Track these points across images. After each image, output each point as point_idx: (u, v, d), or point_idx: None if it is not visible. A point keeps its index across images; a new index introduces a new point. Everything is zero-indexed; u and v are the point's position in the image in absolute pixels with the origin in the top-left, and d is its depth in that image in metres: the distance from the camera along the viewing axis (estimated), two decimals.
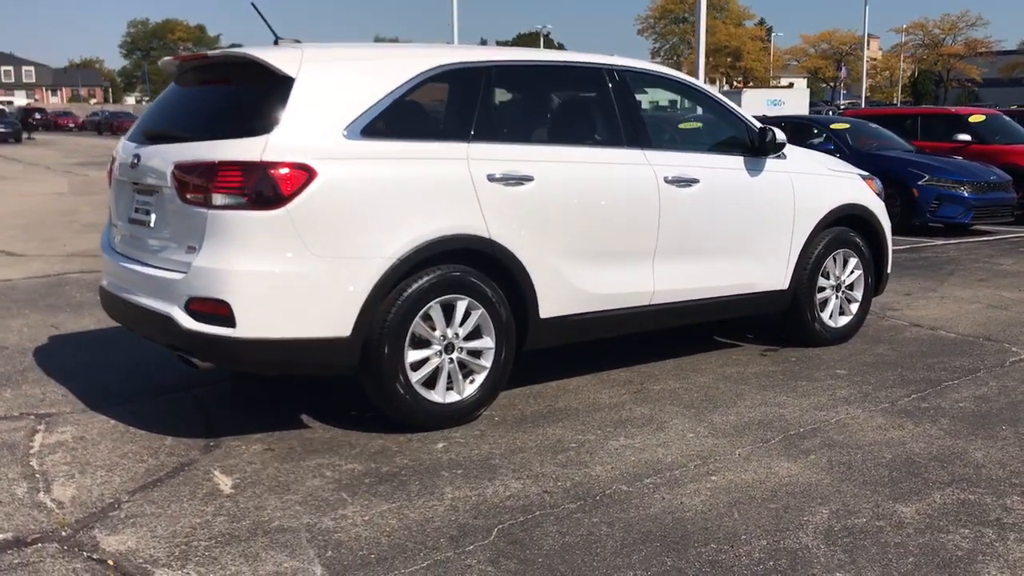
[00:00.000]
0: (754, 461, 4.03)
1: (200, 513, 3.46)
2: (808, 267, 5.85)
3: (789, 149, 5.79)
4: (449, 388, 4.43)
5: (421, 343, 4.31)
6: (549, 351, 5.08)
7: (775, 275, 5.69)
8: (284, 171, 3.89)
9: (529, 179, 4.53)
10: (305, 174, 3.93)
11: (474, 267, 4.40)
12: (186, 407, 4.73)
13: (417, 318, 4.23)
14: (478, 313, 4.42)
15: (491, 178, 4.40)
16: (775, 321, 6.15)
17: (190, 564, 3.07)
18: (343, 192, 4.02)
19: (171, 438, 4.26)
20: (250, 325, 3.91)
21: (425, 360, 4.33)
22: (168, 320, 4.06)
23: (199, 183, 3.95)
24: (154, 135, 4.42)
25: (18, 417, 4.57)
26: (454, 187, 4.31)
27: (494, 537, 3.29)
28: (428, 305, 4.25)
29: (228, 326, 3.92)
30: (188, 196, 4.02)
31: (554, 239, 4.64)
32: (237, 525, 3.36)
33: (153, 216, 4.29)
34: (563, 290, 4.71)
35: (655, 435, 4.35)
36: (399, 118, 4.31)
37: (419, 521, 3.41)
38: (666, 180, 5.07)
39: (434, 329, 4.32)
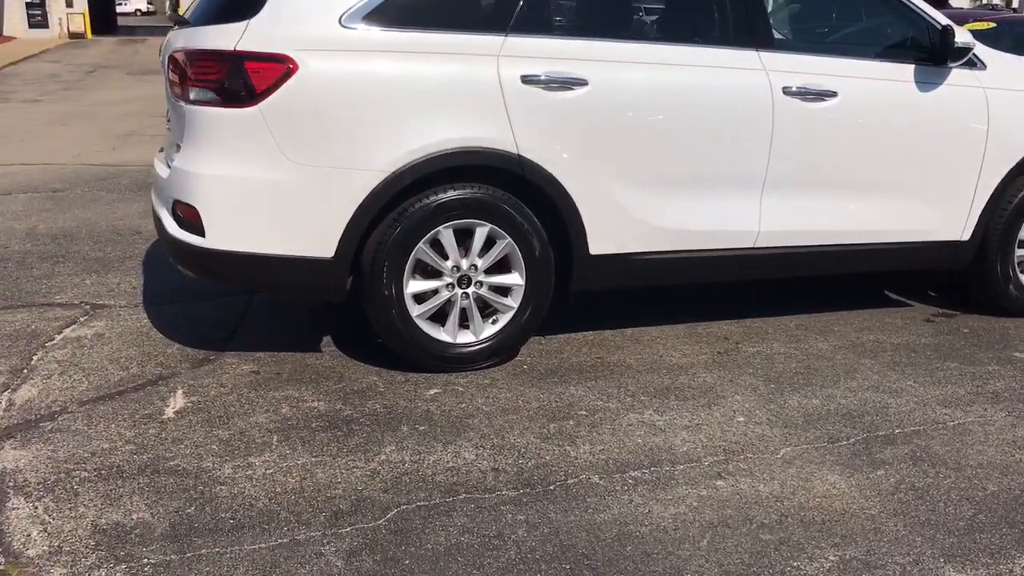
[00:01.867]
0: (794, 467, 3.08)
1: (116, 438, 3.18)
2: (1005, 216, 4.47)
3: (990, 55, 4.38)
4: (464, 327, 3.81)
5: (429, 273, 3.71)
6: (647, 291, 4.27)
7: (947, 222, 4.40)
8: (258, 63, 3.39)
9: (580, 83, 3.69)
10: (282, 67, 3.41)
11: (501, 189, 3.68)
12: (225, 315, 4.50)
13: (422, 243, 3.62)
14: (503, 243, 3.72)
15: (528, 80, 3.62)
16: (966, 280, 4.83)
17: (47, 497, 2.79)
18: (328, 90, 3.46)
19: (178, 346, 4.04)
20: (217, 235, 3.52)
21: (433, 292, 3.73)
22: (160, 224, 3.79)
23: (179, 75, 3.57)
24: (180, 21, 4.08)
25: (73, 305, 4.57)
26: (474, 90, 3.59)
27: (384, 521, 2.71)
28: (436, 230, 3.62)
29: (199, 234, 3.56)
30: (175, 90, 3.66)
31: (611, 160, 3.79)
32: (135, 459, 3.04)
33: (168, 114, 4.00)
34: (623, 223, 3.87)
35: (693, 413, 3.48)
36: (417, 2, 3.63)
37: (321, 485, 2.90)
38: (786, 91, 3.98)
39: (445, 258, 3.70)
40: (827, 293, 5.00)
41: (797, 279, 4.92)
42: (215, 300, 4.68)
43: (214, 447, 3.13)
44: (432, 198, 3.60)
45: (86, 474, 2.94)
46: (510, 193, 3.70)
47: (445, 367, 3.79)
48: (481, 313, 3.82)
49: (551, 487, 2.92)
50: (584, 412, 3.47)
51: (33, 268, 5.20)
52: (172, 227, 3.69)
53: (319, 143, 3.48)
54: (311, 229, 3.53)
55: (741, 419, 3.45)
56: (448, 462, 3.06)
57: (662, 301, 4.73)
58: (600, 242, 3.86)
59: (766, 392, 3.70)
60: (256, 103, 3.41)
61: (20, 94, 15.16)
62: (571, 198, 3.75)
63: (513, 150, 3.63)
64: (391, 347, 3.77)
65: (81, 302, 4.64)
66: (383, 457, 3.09)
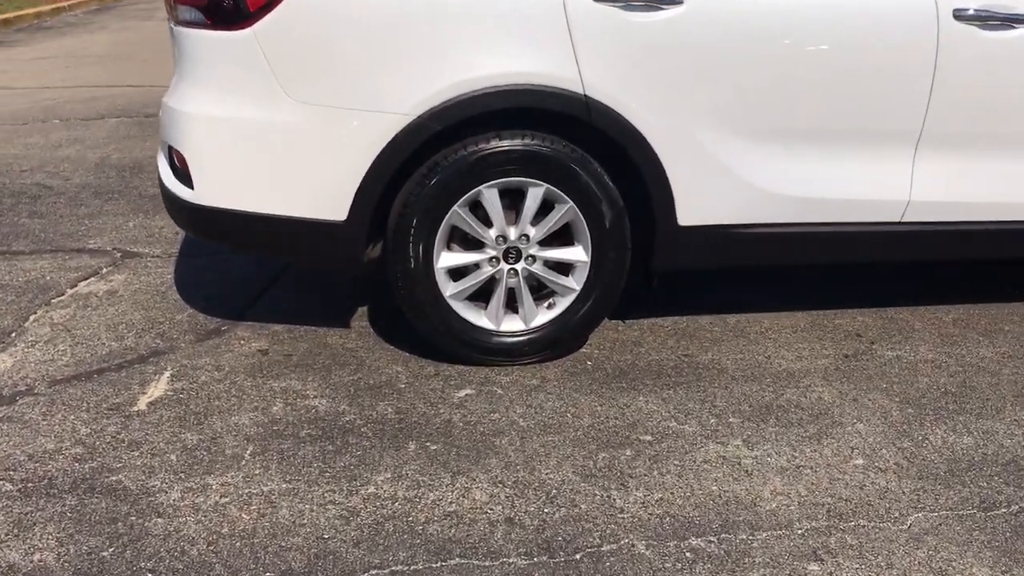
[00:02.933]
0: (924, 549, 2.20)
1: (67, 436, 2.63)
2: None
3: None
4: (513, 311, 3.05)
5: (468, 243, 2.97)
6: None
7: None
8: None
9: (673, 1, 2.79)
10: None
11: (562, 139, 2.87)
12: (258, 273, 3.88)
13: (458, 207, 2.87)
14: (563, 209, 2.92)
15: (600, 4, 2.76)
16: None
17: None
18: (338, 9, 2.71)
19: (190, 312, 3.47)
20: (206, 188, 2.87)
21: (473, 267, 2.98)
22: (159, 172, 3.19)
23: None
24: None
25: (103, 252, 4.09)
26: (527, 9, 2.75)
27: None
28: (475, 190, 2.85)
29: (188, 186, 2.92)
30: (167, 8, 3.00)
31: (711, 105, 2.90)
32: (75, 468, 2.48)
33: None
34: (723, 187, 2.98)
35: (796, 448, 2.62)
36: None
37: (280, 528, 2.25)
38: (959, 15, 2.94)
39: (488, 225, 2.93)
40: (999, 277, 3.93)
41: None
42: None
43: (173, 457, 2.52)
44: (471, 149, 2.82)
45: (9, 487, 2.39)
46: (574, 145, 2.88)
47: (486, 360, 3.05)
48: (534, 295, 3.04)
49: (577, 556, 2.16)
50: (649, 437, 2.66)
51: (83, 205, 4.75)
52: (166, 174, 3.08)
53: (327, 77, 2.75)
54: (318, 185, 2.83)
55: (860, 461, 2.56)
56: (451, 503, 2.35)
57: (780, 280, 3.80)
58: (692, 211, 2.99)
59: (900, 420, 2.78)
60: (249, 24, 2.71)
61: (163, 12, 15.11)
62: (655, 153, 2.88)
63: (578, 89, 2.79)
64: (419, 332, 3.05)
65: (113, 248, 4.15)
66: (371, 489, 2.40)
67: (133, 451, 2.55)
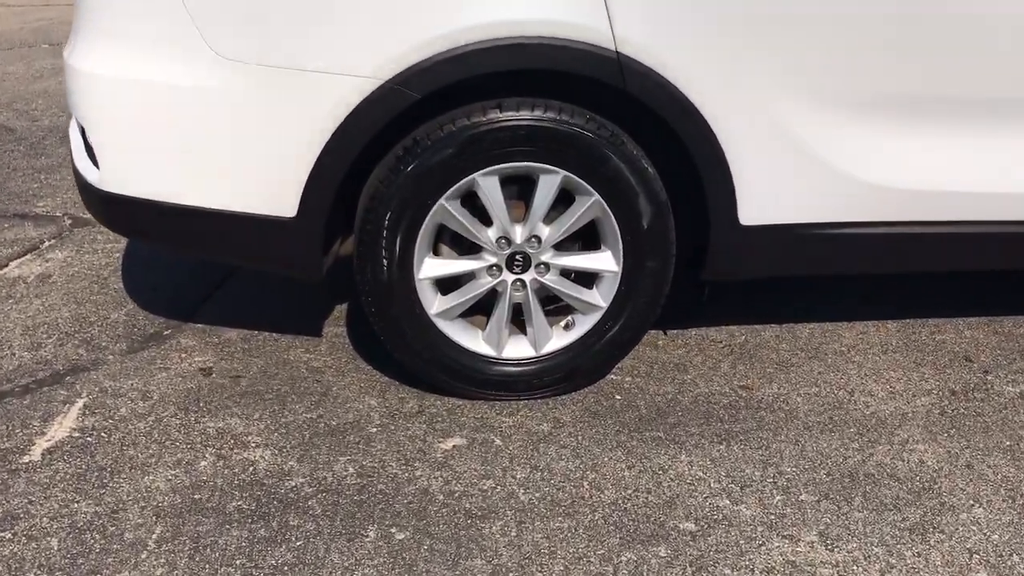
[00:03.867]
0: None
1: None
2: None
3: None
4: (520, 330, 2.35)
5: (462, 245, 2.26)
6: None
7: None
8: None
9: None
10: None
11: (585, 110, 2.12)
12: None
13: (444, 200, 2.15)
14: (587, 203, 2.19)
15: None
16: None
17: None
18: None
19: (130, 309, 2.83)
20: (113, 171, 2.20)
21: (467, 278, 2.27)
22: (71, 145, 2.51)
23: None
24: None
25: (51, 219, 3.47)
26: None
27: None
28: (469, 177, 2.13)
29: (95, 166, 2.24)
30: None
31: (791, 63, 2.12)
32: None
33: None
34: (806, 174, 2.23)
35: (891, 551, 1.92)
36: None
37: None
38: None
39: (487, 223, 2.21)
40: None
41: None
42: None
43: (54, 544, 1.90)
44: (461, 125, 2.09)
45: None
46: (602, 118, 2.13)
47: (484, 394, 2.36)
48: (547, 311, 2.34)
49: None
50: (692, 526, 1.97)
51: (44, 155, 4.11)
52: (77, 149, 2.39)
53: (262, 25, 2.02)
54: (257, 171, 2.13)
55: (983, 575, 1.85)
56: None
57: (863, 280, 3.03)
58: (761, 206, 2.24)
59: None
60: None
61: None
62: (711, 130, 2.13)
63: (607, 44, 2.03)
64: (397, 360, 2.37)
65: (64, 214, 3.52)
66: None
67: (3, 531, 1.93)
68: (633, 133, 2.17)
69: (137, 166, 2.17)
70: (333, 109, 2.04)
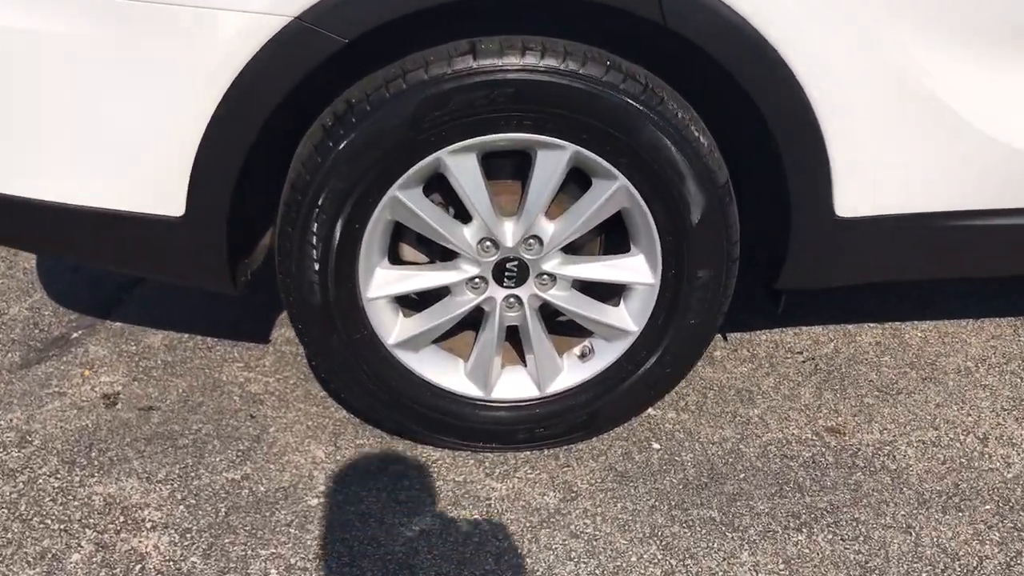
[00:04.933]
0: None
1: None
2: None
3: None
4: (518, 359, 1.69)
5: (428, 250, 1.58)
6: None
7: None
8: None
9: None
10: None
11: (605, 54, 1.40)
12: None
13: (396, 189, 1.46)
14: (609, 190, 1.49)
15: None
16: None
17: None
18: None
19: (36, 298, 2.22)
20: None
21: (439, 293, 1.60)
22: None
23: None
24: None
25: None
26: None
27: None
28: (432, 157, 1.43)
29: None
30: None
31: None
32: None
33: None
34: (939, 147, 1.47)
35: None
36: None
37: None
38: None
39: (464, 220, 1.52)
40: None
41: None
42: None
43: None
44: (415, 78, 1.37)
45: None
46: (630, 64, 1.40)
47: (470, 446, 1.71)
48: (555, 332, 1.66)
49: None
50: None
51: None
52: None
53: None
54: (124, 152, 1.45)
55: None
56: None
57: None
58: (870, 190, 1.51)
59: None
60: None
61: None
62: (797, 83, 1.39)
63: None
64: (348, 400, 1.72)
65: None
66: None
67: None
68: (677, 85, 1.44)
69: None
70: (220, 61, 1.35)
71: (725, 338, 2.03)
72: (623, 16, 1.34)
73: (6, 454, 1.76)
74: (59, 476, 1.70)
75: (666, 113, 1.42)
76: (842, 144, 1.44)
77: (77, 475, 1.70)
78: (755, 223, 1.62)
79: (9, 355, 2.04)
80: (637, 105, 1.40)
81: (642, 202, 1.49)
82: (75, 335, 2.10)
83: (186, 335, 2.09)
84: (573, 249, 1.60)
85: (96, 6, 1.34)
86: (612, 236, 1.63)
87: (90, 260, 1.75)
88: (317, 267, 1.51)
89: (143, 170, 1.45)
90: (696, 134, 1.45)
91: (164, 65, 1.37)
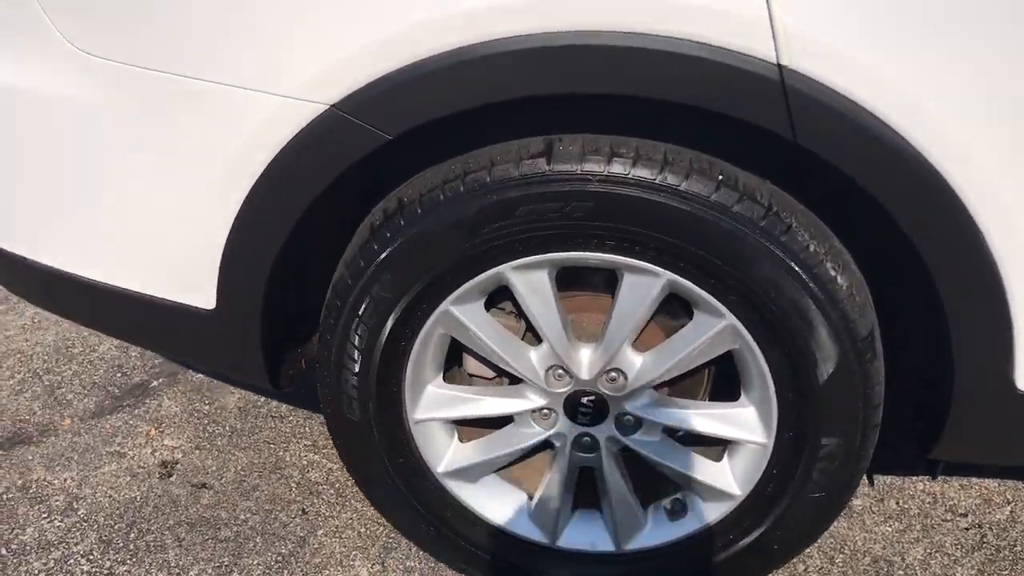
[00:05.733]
0: None
1: None
2: None
3: None
4: (583, 507, 1.41)
5: (496, 366, 1.33)
6: None
7: None
8: None
9: None
10: None
11: (710, 156, 1.09)
12: None
13: (449, 303, 1.22)
14: (713, 328, 1.18)
15: None
16: None
17: None
18: None
19: (136, 351, 2.12)
20: None
21: (502, 423, 1.34)
22: None
23: None
24: None
25: None
26: None
27: None
28: (493, 271, 1.17)
29: None
30: None
31: None
32: None
33: None
34: None
35: None
36: None
37: None
38: None
39: (537, 340, 1.26)
40: None
41: None
42: None
43: None
44: (476, 179, 1.13)
45: None
46: (749, 176, 1.09)
47: None
48: (642, 488, 1.37)
49: None
50: None
51: None
52: None
53: (133, 13, 1.13)
54: (152, 232, 1.28)
55: None
56: None
57: None
58: None
59: None
60: None
61: None
62: (978, 232, 1.03)
63: (765, 52, 0.96)
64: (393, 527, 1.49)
65: None
66: None
67: None
68: (812, 196, 1.12)
69: (8, 207, 1.38)
70: (248, 147, 1.14)
71: (871, 482, 1.66)
72: (741, 125, 1.03)
73: (49, 522, 1.65)
74: (91, 558, 1.57)
75: (793, 245, 1.10)
76: None
77: (109, 560, 1.57)
78: (906, 369, 1.26)
79: (86, 400, 1.95)
80: (754, 234, 1.09)
81: (756, 348, 1.17)
82: (154, 384, 1.99)
83: (262, 399, 1.93)
84: (669, 386, 1.30)
85: (123, 77, 1.16)
86: (725, 372, 1.31)
87: (132, 341, 1.61)
88: (356, 381, 1.29)
89: (173, 257, 1.27)
90: (832, 273, 1.12)
91: (190, 146, 1.17)
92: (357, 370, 1.28)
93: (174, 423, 1.87)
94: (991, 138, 0.98)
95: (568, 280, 1.25)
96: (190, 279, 1.27)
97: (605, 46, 0.99)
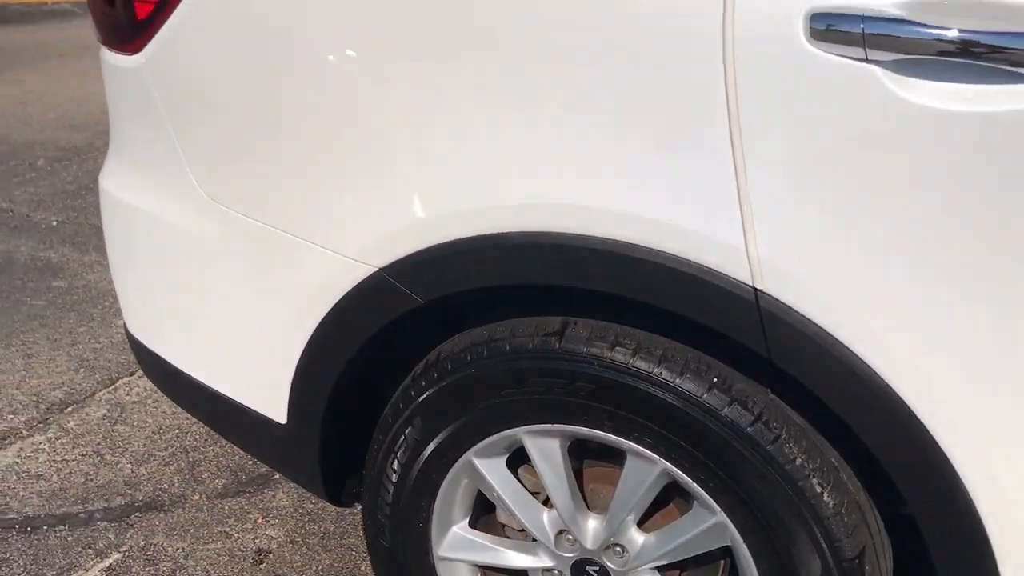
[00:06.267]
0: None
1: None
2: None
3: None
4: None
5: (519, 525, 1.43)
6: None
7: None
8: None
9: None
10: None
11: (706, 355, 1.17)
12: None
13: (472, 454, 1.34)
14: (704, 523, 1.23)
15: (833, 27, 0.93)
16: None
17: None
18: (250, 30, 1.29)
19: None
20: (128, 308, 1.72)
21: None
22: None
23: None
24: None
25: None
26: (638, 63, 1.04)
27: None
28: (509, 431, 1.30)
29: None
30: None
31: None
32: None
33: None
34: None
35: None
36: None
37: None
38: None
39: (546, 505, 1.35)
40: None
41: None
42: None
43: None
44: (497, 347, 1.26)
45: None
46: (745, 380, 1.15)
47: None
48: None
49: None
50: None
51: None
52: None
53: (251, 168, 1.38)
54: (245, 351, 1.50)
55: None
56: None
57: None
58: None
59: None
60: (137, 45, 1.43)
61: None
62: (954, 478, 1.03)
63: (739, 272, 1.04)
64: None
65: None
66: None
67: None
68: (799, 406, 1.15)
69: (147, 311, 1.67)
70: (321, 291, 1.33)
71: None
72: (736, 331, 1.10)
73: None
74: None
75: (779, 456, 1.13)
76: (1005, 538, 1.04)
77: None
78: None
79: (217, 480, 2.20)
80: (738, 440, 1.13)
81: (745, 550, 1.20)
82: (276, 476, 2.21)
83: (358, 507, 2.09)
84: (682, 569, 1.33)
85: (237, 223, 1.40)
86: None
87: (228, 440, 1.83)
88: (389, 510, 1.42)
89: (259, 372, 1.48)
90: (818, 489, 1.13)
91: (281, 283, 1.38)
92: (390, 500, 1.41)
93: (280, 515, 2.08)
94: (961, 373, 0.99)
95: (597, 450, 1.33)
96: (270, 394, 1.47)
97: (602, 251, 1.10)
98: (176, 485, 2.18)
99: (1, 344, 2.82)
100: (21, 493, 2.16)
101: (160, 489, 2.17)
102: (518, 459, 1.37)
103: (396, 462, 1.38)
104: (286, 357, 1.41)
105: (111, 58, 1.50)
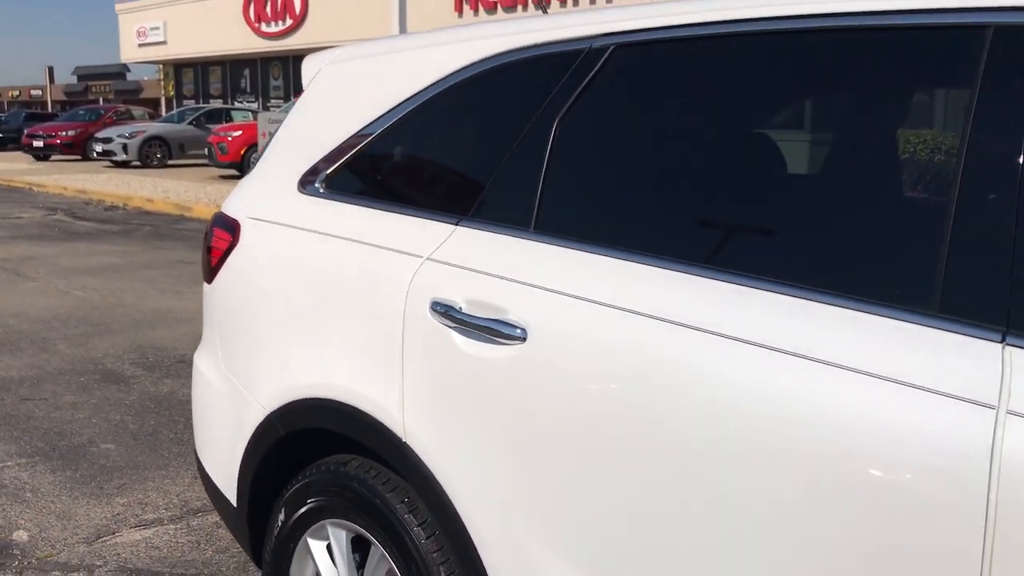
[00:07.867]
0: None
1: None
2: None
3: None
4: None
5: None
6: None
7: None
8: (216, 229, 2.63)
9: (514, 334, 1.77)
10: (229, 238, 2.56)
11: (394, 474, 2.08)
12: None
13: (309, 535, 2.28)
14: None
15: (442, 310, 1.90)
16: None
17: None
18: (251, 275, 2.45)
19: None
20: (197, 438, 2.84)
21: None
22: None
23: None
24: None
25: None
26: (367, 308, 2.06)
27: None
28: (319, 523, 2.24)
29: None
30: None
31: (548, 496, 1.73)
32: None
33: None
34: None
35: None
36: (376, 163, 2.27)
37: None
38: None
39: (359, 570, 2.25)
40: None
41: None
42: None
43: None
44: (313, 468, 2.23)
45: None
46: (404, 487, 2.03)
47: None
48: None
49: None
50: None
51: None
52: None
53: (233, 345, 2.50)
54: (222, 451, 2.56)
55: None
56: None
57: None
58: None
59: None
60: (210, 279, 2.64)
61: None
62: (471, 539, 1.85)
63: (397, 425, 1.97)
64: None
65: None
66: None
67: None
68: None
69: (200, 436, 2.76)
70: (249, 425, 2.36)
71: None
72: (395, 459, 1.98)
73: None
74: None
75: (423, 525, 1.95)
76: None
77: None
78: None
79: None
80: (403, 518, 1.98)
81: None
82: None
83: None
84: None
85: (225, 379, 2.48)
86: None
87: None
88: (269, 557, 2.34)
89: (228, 467, 2.51)
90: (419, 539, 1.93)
91: (230, 416, 2.43)
92: (271, 561, 2.33)
93: None
94: (491, 497, 1.80)
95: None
96: (231, 482, 2.48)
97: (331, 408, 2.05)
98: (231, 570, 3.19)
99: (181, 465, 4.08)
100: (142, 554, 3.27)
101: (220, 571, 3.19)
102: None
103: (274, 546, 2.31)
104: (234, 460, 2.42)
105: (204, 285, 2.70)
